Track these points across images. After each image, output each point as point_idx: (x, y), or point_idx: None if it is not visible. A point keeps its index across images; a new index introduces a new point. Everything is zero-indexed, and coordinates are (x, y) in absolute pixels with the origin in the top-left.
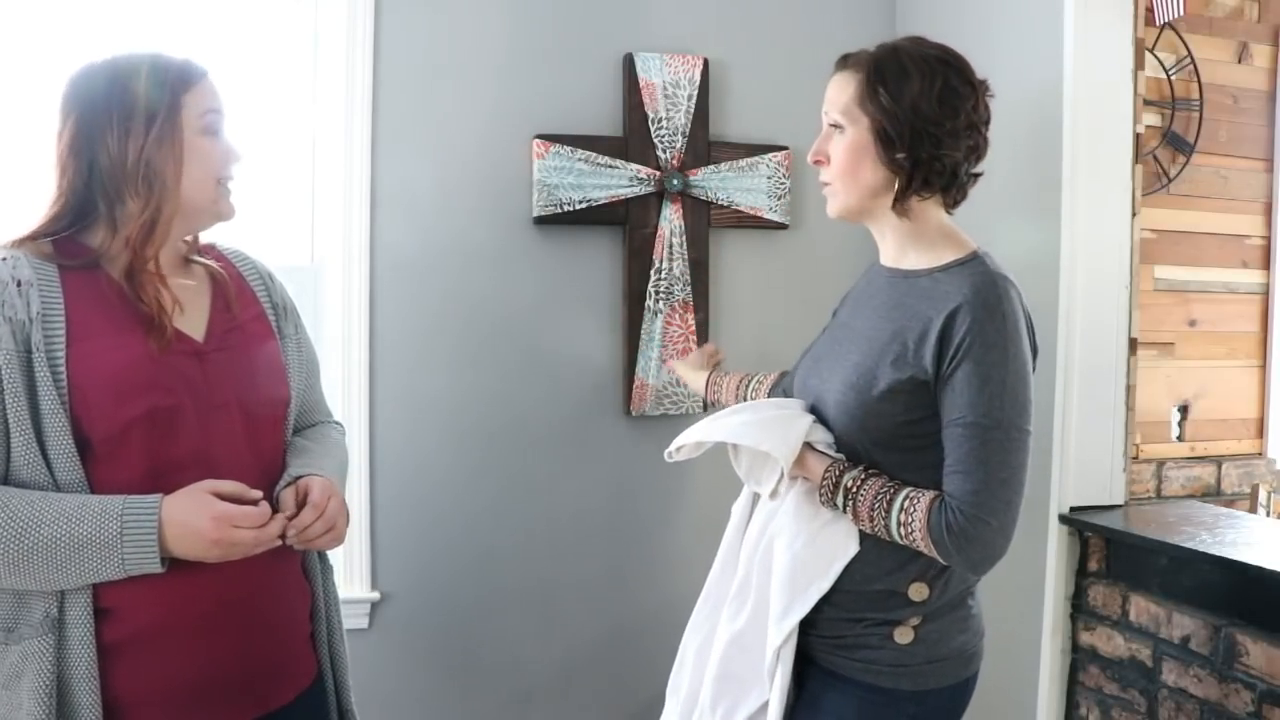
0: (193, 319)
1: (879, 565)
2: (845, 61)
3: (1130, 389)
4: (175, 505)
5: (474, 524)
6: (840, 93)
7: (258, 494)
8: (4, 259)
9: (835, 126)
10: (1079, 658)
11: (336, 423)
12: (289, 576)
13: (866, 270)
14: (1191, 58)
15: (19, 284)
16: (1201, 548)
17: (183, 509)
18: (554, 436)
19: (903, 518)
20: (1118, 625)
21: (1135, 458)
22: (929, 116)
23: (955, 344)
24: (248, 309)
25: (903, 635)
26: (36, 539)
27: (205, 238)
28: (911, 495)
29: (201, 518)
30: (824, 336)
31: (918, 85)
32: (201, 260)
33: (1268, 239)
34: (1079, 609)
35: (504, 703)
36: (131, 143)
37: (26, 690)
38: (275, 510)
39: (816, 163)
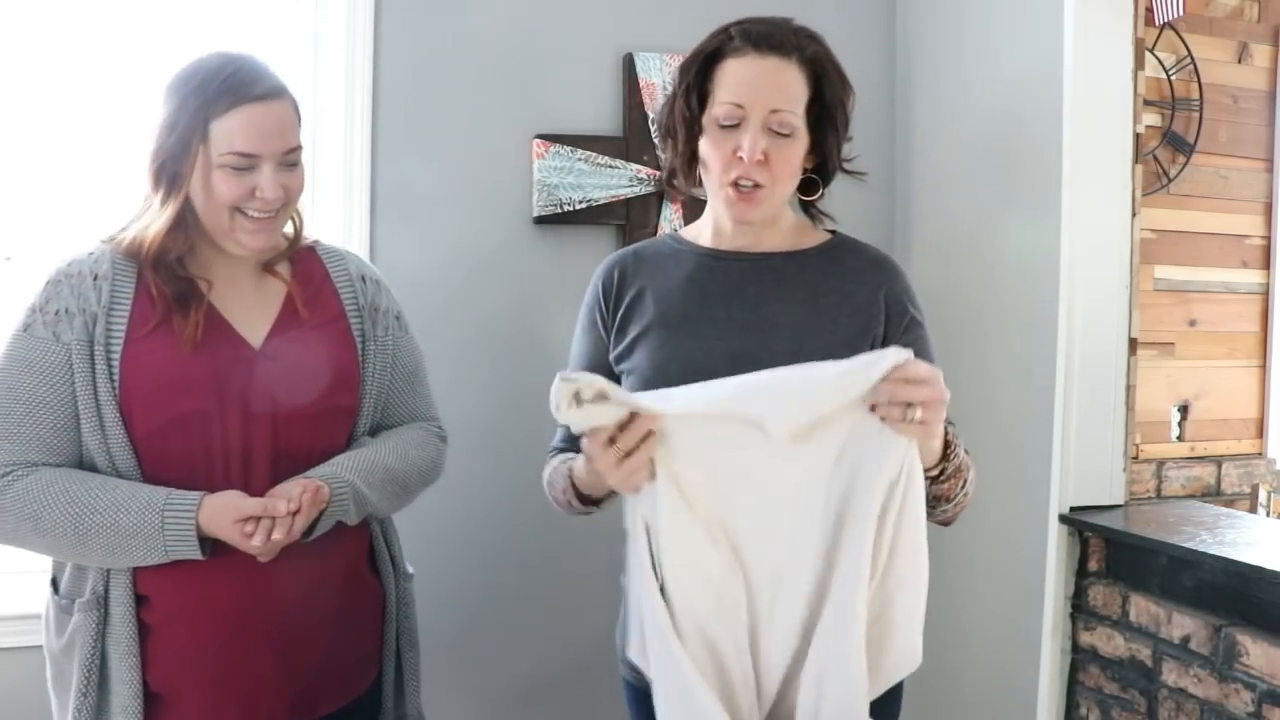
0: (255, 324)
1: None
2: None
3: (1130, 389)
4: (212, 506)
5: (474, 524)
6: None
7: (283, 508)
8: (90, 253)
9: None
10: (1079, 658)
11: (432, 427)
12: (335, 580)
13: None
14: (1191, 58)
15: (95, 278)
16: (1201, 548)
17: (215, 511)
18: (553, 436)
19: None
20: (1118, 625)
21: (1135, 458)
22: None
23: None
24: (322, 311)
25: None
26: (91, 524)
27: (309, 236)
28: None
29: (225, 525)
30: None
31: None
32: (276, 274)
33: (1268, 239)
34: (1079, 609)
35: (505, 702)
36: (167, 138)
37: (76, 661)
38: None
39: None
